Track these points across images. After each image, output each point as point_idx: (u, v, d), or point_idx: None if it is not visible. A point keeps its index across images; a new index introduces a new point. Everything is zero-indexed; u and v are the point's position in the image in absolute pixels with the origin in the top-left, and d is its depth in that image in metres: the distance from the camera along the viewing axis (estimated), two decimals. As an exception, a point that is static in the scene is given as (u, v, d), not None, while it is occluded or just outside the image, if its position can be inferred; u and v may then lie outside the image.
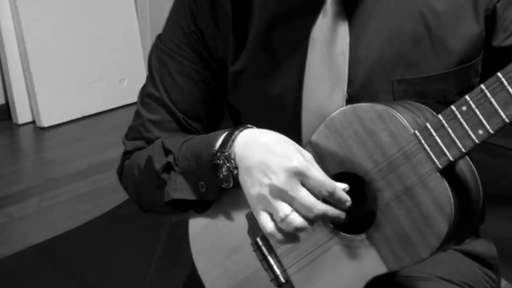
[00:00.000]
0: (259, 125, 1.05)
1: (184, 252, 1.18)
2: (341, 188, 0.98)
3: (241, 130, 1.03)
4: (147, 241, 2.40)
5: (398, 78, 1.05)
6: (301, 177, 0.95)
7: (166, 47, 1.17)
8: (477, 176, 0.98)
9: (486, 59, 1.09)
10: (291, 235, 0.99)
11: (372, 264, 1.00)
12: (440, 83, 1.06)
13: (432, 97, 1.06)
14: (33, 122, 3.59)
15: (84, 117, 3.63)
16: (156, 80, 1.18)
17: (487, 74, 0.91)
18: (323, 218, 0.97)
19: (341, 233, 1.03)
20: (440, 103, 1.04)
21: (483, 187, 0.98)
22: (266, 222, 0.98)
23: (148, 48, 1.42)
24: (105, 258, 2.44)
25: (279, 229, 0.98)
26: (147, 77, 1.21)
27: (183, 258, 1.21)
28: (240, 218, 1.09)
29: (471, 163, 0.98)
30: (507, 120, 0.86)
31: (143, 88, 1.22)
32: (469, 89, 0.91)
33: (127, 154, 1.21)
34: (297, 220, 0.96)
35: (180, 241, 1.19)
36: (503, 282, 1.31)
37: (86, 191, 2.94)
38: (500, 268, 1.24)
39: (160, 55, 1.18)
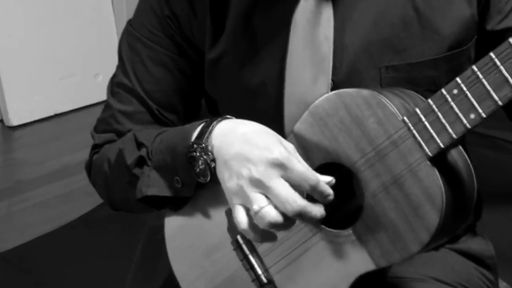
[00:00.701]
0: (239, 116, 1.04)
1: (164, 258, 1.17)
2: (326, 181, 0.97)
3: (219, 121, 1.03)
4: (124, 247, 2.38)
5: (386, 64, 1.06)
6: (282, 169, 0.95)
7: (138, 33, 1.16)
8: (471, 166, 0.98)
9: (479, 44, 1.09)
10: (266, 233, 0.98)
11: (359, 260, 0.99)
12: (430, 69, 1.06)
13: (422, 85, 1.06)
14: (1, 121, 3.57)
15: (56, 115, 3.61)
16: (127, 68, 1.17)
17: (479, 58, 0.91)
18: (302, 216, 0.96)
19: (326, 228, 1.02)
20: (431, 92, 1.04)
21: (482, 183, 0.98)
22: (241, 218, 0.97)
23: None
24: (79, 266, 2.42)
25: (253, 226, 0.97)
26: (118, 65, 1.21)
27: (162, 264, 1.20)
28: (219, 215, 1.09)
29: (464, 152, 0.98)
30: (500, 103, 0.86)
31: (113, 77, 1.21)
32: None
33: (96, 148, 1.21)
34: (271, 213, 0.94)
35: (159, 247, 1.18)
36: (502, 284, 1.31)
37: (58, 194, 2.92)
38: (498, 269, 1.24)
39: (131, 42, 1.17)
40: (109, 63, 1.24)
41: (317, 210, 0.96)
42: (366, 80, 1.06)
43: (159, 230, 1.16)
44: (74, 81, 3.64)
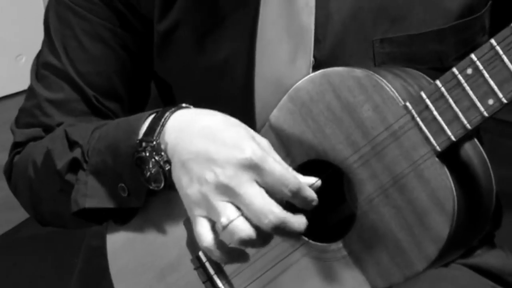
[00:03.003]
0: (199, 103, 1.04)
1: (107, 286, 1.17)
2: (309, 183, 0.98)
3: (173, 111, 1.02)
4: (56, 272, 2.38)
5: (380, 36, 1.07)
6: (255, 172, 0.95)
7: (69, 0, 1.15)
8: (488, 163, 0.99)
9: (496, 10, 1.10)
10: (236, 252, 0.98)
11: (351, 281, 1.00)
12: (434, 42, 1.07)
13: (424, 62, 1.07)
14: None
15: (-33, 108, 3.58)
16: (56, 45, 1.17)
17: (498, 31, 0.93)
18: (280, 230, 0.95)
19: (311, 241, 1.03)
20: (437, 70, 1.05)
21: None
22: (203, 232, 0.97)
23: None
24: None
25: (219, 243, 0.96)
26: (44, 41, 1.20)
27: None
28: (175, 227, 1.09)
29: (479, 146, 0.99)
30: (525, 86, 0.87)
31: (38, 57, 1.20)
32: (472, 50, 0.92)
33: (17, 146, 1.20)
34: (243, 228, 0.94)
35: (102, 272, 1.18)
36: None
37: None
38: None
39: (60, 11, 1.17)
40: (35, 43, 1.23)
41: (299, 222, 0.96)
42: (355, 57, 1.07)
43: (101, 251, 1.15)
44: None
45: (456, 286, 1.17)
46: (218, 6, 1.10)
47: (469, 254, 1.21)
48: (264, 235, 0.95)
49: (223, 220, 0.94)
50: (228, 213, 0.94)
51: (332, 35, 1.07)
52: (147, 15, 1.14)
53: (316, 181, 0.98)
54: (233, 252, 0.98)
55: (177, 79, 1.17)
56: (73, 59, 1.16)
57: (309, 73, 1.04)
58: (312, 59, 1.05)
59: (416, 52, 1.07)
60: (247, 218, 0.95)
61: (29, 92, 1.20)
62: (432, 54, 1.08)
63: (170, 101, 1.20)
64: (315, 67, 1.05)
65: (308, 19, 1.05)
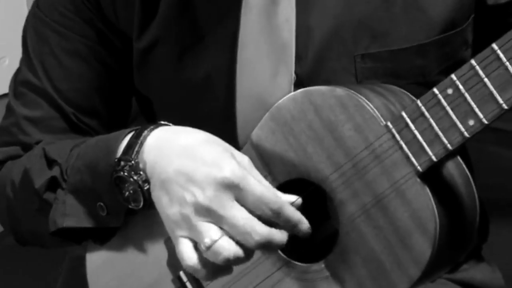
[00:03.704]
0: (180, 120, 1.04)
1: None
2: (289, 201, 0.98)
3: (152, 129, 1.02)
4: (40, 282, 2.36)
5: (362, 52, 1.07)
6: (235, 191, 0.94)
7: (47, 17, 1.15)
8: (472, 182, 0.99)
9: (478, 25, 1.10)
10: (221, 270, 0.97)
11: None
12: (417, 57, 1.07)
13: (407, 77, 1.07)
14: None
15: None
16: (34, 62, 1.16)
17: (480, 45, 0.93)
18: (266, 247, 0.95)
19: (293, 261, 1.03)
20: (419, 85, 1.06)
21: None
22: (186, 253, 0.96)
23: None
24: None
25: (204, 262, 0.96)
26: (22, 58, 1.19)
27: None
28: (156, 246, 1.09)
29: (462, 163, 0.99)
30: (505, 107, 0.87)
31: (16, 74, 1.20)
32: (456, 65, 0.92)
33: None
34: (228, 248, 0.94)
35: (86, 282, 1.18)
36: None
37: None
38: None
39: (38, 28, 1.16)
40: (18, 44, 1.23)
41: (281, 237, 0.96)
42: (337, 73, 1.07)
43: (84, 261, 1.15)
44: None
45: None
46: (198, 22, 1.10)
47: (456, 269, 1.21)
48: (249, 252, 0.95)
49: (207, 241, 0.94)
50: (211, 233, 0.94)
51: (313, 51, 1.07)
52: (126, 32, 1.14)
53: (297, 199, 0.98)
54: (216, 270, 0.97)
55: (157, 96, 1.17)
56: (51, 76, 1.16)
57: (290, 90, 1.04)
58: (293, 75, 1.05)
59: (398, 67, 1.07)
60: (230, 237, 0.94)
61: (7, 110, 1.20)
62: (414, 69, 1.08)
63: (152, 117, 1.20)
64: (297, 84, 1.05)
65: (289, 35, 1.05)
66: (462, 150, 0.99)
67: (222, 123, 1.07)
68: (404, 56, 1.07)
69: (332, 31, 1.06)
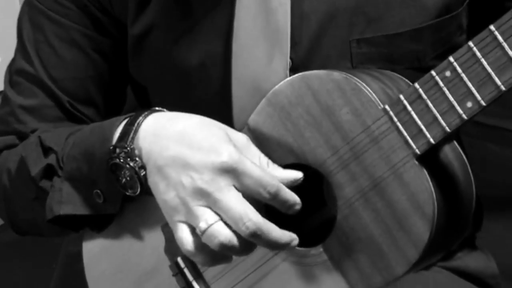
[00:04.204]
0: (174, 108, 1.04)
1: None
2: (291, 178, 0.98)
3: (146, 115, 1.02)
4: (34, 278, 2.36)
5: (357, 37, 1.07)
6: (233, 175, 0.95)
7: (42, 4, 1.15)
8: (468, 166, 1.00)
9: (473, 9, 1.11)
10: (218, 255, 0.98)
11: (332, 285, 1.01)
12: (412, 42, 1.08)
13: (402, 62, 1.08)
14: None
15: None
16: (29, 51, 1.16)
17: (475, 30, 0.93)
18: (257, 237, 0.95)
19: (291, 246, 1.03)
20: (415, 70, 1.06)
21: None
22: (184, 237, 0.97)
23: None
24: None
25: (201, 247, 0.96)
26: (17, 47, 1.19)
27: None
28: (153, 233, 1.09)
29: (459, 148, 0.99)
30: (503, 88, 0.88)
31: (11, 64, 1.20)
32: (451, 50, 0.93)
33: None
34: (222, 232, 0.94)
35: (81, 278, 1.18)
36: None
37: None
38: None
39: (33, 16, 1.16)
40: (11, 42, 1.22)
41: (276, 232, 0.96)
42: (333, 58, 1.07)
43: (79, 257, 1.15)
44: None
45: None
46: (192, 8, 1.10)
47: (450, 257, 1.21)
48: (245, 242, 0.95)
49: (202, 225, 0.95)
50: (206, 217, 0.95)
51: (308, 36, 1.07)
52: (121, 19, 1.14)
53: (299, 178, 0.98)
54: (213, 254, 0.97)
55: (152, 83, 1.17)
56: (47, 64, 1.16)
57: (286, 75, 1.04)
58: (289, 60, 1.06)
59: (394, 52, 1.08)
60: (226, 223, 0.95)
61: (3, 100, 1.20)
62: (409, 54, 1.08)
63: (147, 105, 1.19)
64: (292, 69, 1.05)
65: (284, 20, 1.05)
66: (457, 139, 1.00)
67: (218, 109, 1.07)
68: (399, 41, 1.07)
69: (327, 16, 1.07)
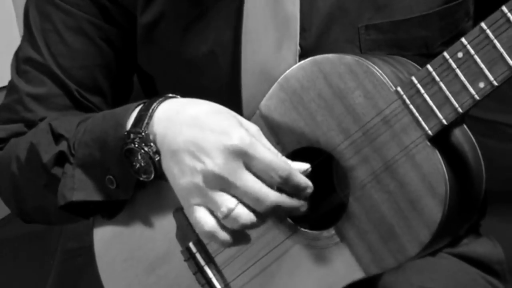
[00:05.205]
0: (183, 95, 1.06)
1: (84, 286, 1.16)
2: (300, 169, 1.00)
3: (161, 101, 1.03)
4: (32, 274, 2.34)
5: (366, 23, 1.08)
6: (244, 158, 0.97)
7: None
8: (478, 150, 1.01)
9: None
10: (240, 235, 1.00)
11: (345, 267, 1.02)
12: (419, 28, 1.09)
13: (410, 48, 1.09)
14: None
15: None
16: (37, 39, 1.17)
17: (481, 16, 0.94)
18: (278, 212, 0.99)
19: (303, 229, 1.04)
20: (423, 56, 1.08)
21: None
22: (203, 218, 0.98)
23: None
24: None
25: (221, 226, 0.98)
26: (24, 35, 1.20)
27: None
28: (165, 219, 1.10)
29: (470, 133, 1.01)
30: (515, 68, 0.89)
31: (18, 52, 1.20)
32: (458, 36, 0.94)
33: None
34: (245, 215, 0.97)
35: (78, 273, 1.18)
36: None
37: None
38: (508, 276, 1.25)
39: (41, 5, 1.17)
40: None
41: (297, 203, 0.99)
42: (341, 44, 1.08)
43: (76, 253, 1.14)
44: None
45: (444, 274, 1.18)
46: None
47: (456, 243, 1.22)
48: (262, 216, 0.98)
49: (223, 210, 0.97)
50: (226, 203, 0.97)
51: (317, 23, 1.08)
52: (130, 8, 1.14)
53: (307, 168, 1.00)
54: (235, 234, 0.99)
55: (161, 72, 1.18)
56: (55, 53, 1.16)
57: (295, 62, 1.05)
58: (298, 48, 1.06)
59: (402, 38, 1.09)
60: (244, 204, 0.97)
61: (10, 88, 1.20)
62: (417, 40, 1.09)
63: (153, 93, 1.20)
64: (301, 56, 1.06)
65: (293, 8, 1.06)
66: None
67: (228, 97, 1.08)
68: (407, 27, 1.08)
69: (336, 3, 1.08)
